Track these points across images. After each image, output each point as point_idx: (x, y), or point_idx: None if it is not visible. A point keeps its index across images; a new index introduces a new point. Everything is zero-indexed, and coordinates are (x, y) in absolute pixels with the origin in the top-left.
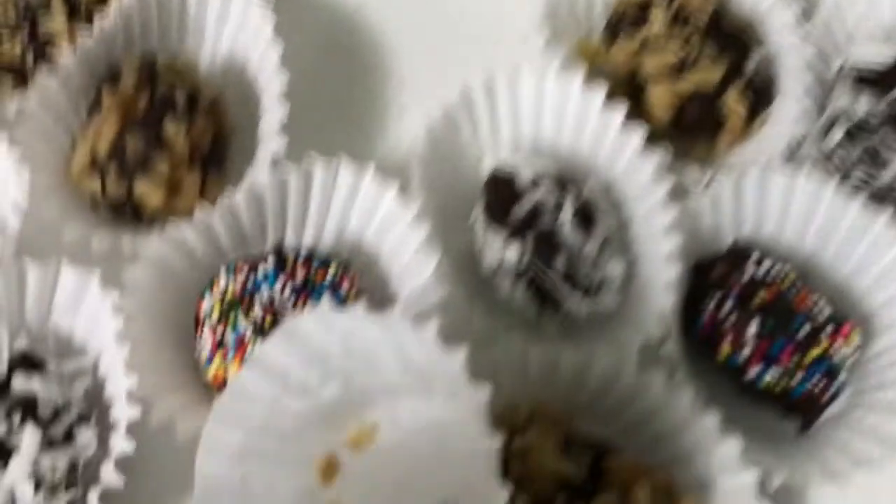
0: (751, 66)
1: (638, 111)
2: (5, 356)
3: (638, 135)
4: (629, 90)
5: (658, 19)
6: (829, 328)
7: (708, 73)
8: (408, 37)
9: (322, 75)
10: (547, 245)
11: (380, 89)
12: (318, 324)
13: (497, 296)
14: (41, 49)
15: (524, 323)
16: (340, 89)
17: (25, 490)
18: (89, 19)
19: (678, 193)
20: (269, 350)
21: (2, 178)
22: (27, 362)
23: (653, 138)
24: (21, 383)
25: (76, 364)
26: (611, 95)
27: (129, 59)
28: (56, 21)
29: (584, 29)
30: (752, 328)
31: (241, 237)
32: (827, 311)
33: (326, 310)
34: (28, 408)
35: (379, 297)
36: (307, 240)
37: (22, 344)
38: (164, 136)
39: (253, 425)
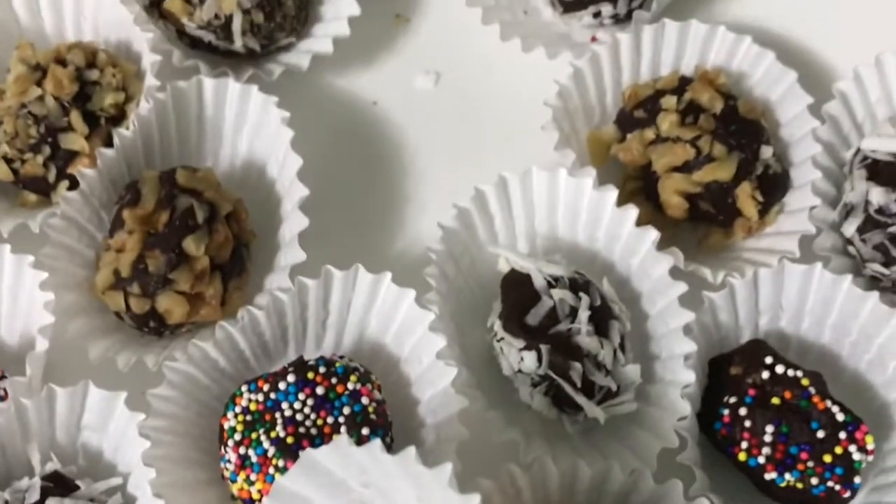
0: (764, 157)
1: (652, 201)
2: (38, 482)
3: (652, 234)
4: (643, 181)
5: (668, 118)
6: (844, 433)
7: (720, 170)
8: (426, 132)
9: (339, 170)
10: (563, 354)
11: (398, 185)
12: (337, 457)
13: (516, 397)
14: (63, 165)
15: (546, 424)
16: (358, 185)
17: None
18: (109, 134)
19: (693, 285)
20: (290, 481)
21: (28, 298)
22: (60, 484)
23: (666, 228)
24: None
25: (106, 486)
26: (626, 185)
27: (147, 176)
28: (77, 138)
29: (597, 115)
30: (769, 432)
31: (263, 346)
32: (841, 416)
33: (345, 444)
34: None
35: (399, 401)
36: (328, 344)
37: (54, 465)
38: (186, 251)
39: None
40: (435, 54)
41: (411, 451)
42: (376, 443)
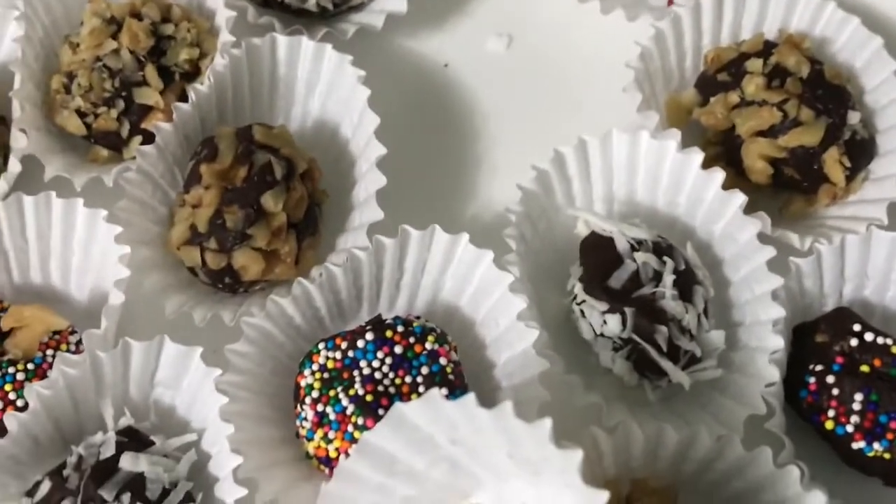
0: (851, 122)
1: (733, 167)
2: (113, 436)
3: (739, 198)
4: (724, 146)
5: (755, 81)
6: None
7: (807, 135)
8: (498, 96)
9: (411, 131)
10: (647, 318)
11: (470, 148)
12: (427, 412)
13: (596, 362)
14: (137, 120)
15: (625, 390)
16: (430, 147)
17: None
18: (183, 89)
19: (778, 251)
20: (377, 436)
21: (101, 252)
22: (134, 439)
23: (749, 193)
24: (129, 463)
25: (181, 441)
26: (705, 150)
27: (224, 131)
28: (151, 92)
29: (676, 79)
30: (858, 400)
31: (338, 304)
32: None
33: (437, 398)
34: (137, 489)
35: (474, 364)
36: (401, 305)
37: (127, 421)
38: (264, 207)
39: None
40: (508, 16)
41: (508, 405)
42: (470, 397)
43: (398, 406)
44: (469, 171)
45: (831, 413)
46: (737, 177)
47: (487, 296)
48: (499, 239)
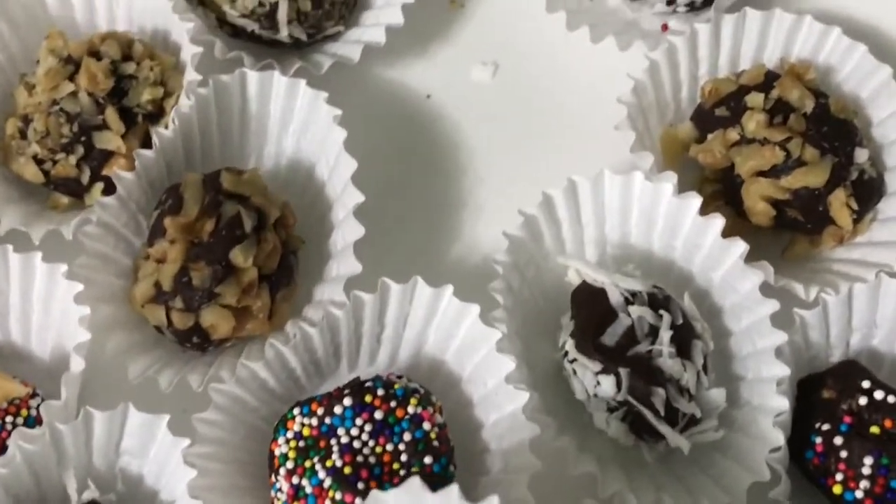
0: (858, 161)
1: (732, 206)
2: None
3: (740, 247)
4: (723, 184)
5: (755, 117)
6: None
7: (812, 176)
8: (484, 129)
9: (391, 170)
10: (643, 379)
11: (454, 187)
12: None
13: (590, 420)
14: (98, 166)
15: (621, 450)
16: (411, 186)
17: None
18: (147, 131)
19: (782, 300)
20: None
21: (61, 310)
22: None
23: (746, 235)
24: None
25: None
26: (703, 188)
27: (190, 179)
28: (112, 137)
29: (671, 111)
30: (868, 464)
31: (315, 363)
32: None
33: (418, 487)
34: None
35: (461, 424)
36: (382, 360)
37: (91, 494)
38: (233, 263)
39: None
40: (493, 43)
41: (494, 501)
42: (454, 490)
43: (375, 494)
44: (454, 212)
45: (839, 477)
46: (737, 216)
47: (474, 352)
48: (485, 285)
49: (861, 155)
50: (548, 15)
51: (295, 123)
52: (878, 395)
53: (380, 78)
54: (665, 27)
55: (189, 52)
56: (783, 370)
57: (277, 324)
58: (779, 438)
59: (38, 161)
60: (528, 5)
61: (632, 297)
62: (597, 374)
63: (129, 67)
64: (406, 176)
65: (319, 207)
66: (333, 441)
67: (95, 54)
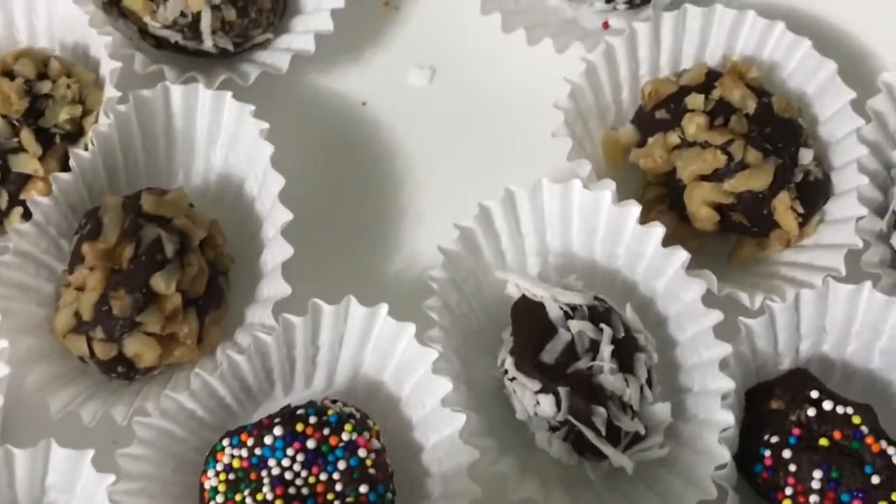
0: (803, 162)
1: (676, 210)
2: None
3: (681, 256)
4: (666, 187)
5: (695, 120)
6: None
7: (755, 179)
8: (422, 136)
9: (325, 182)
10: (584, 397)
11: (391, 197)
12: None
13: (531, 437)
14: (16, 190)
15: (564, 469)
16: (347, 198)
17: None
18: (65, 152)
19: (726, 307)
20: None
21: None
22: None
23: (692, 239)
24: None
25: None
26: (646, 192)
27: (109, 203)
28: (29, 160)
29: (612, 114)
30: (818, 478)
31: (246, 390)
32: None
33: None
34: None
35: (401, 447)
36: (318, 382)
37: None
38: (154, 289)
39: None
40: (429, 48)
41: None
42: None
43: None
44: (391, 223)
45: (789, 491)
46: (682, 220)
47: (411, 373)
48: (424, 301)
49: (806, 155)
50: (483, 16)
51: (222, 138)
52: (827, 405)
53: (313, 86)
54: (606, 25)
55: (108, 67)
56: (728, 384)
57: (208, 347)
58: (724, 455)
59: None
60: (465, 6)
61: (572, 311)
62: (536, 393)
63: (45, 86)
64: (342, 188)
65: (251, 225)
66: (264, 473)
67: (9, 74)
